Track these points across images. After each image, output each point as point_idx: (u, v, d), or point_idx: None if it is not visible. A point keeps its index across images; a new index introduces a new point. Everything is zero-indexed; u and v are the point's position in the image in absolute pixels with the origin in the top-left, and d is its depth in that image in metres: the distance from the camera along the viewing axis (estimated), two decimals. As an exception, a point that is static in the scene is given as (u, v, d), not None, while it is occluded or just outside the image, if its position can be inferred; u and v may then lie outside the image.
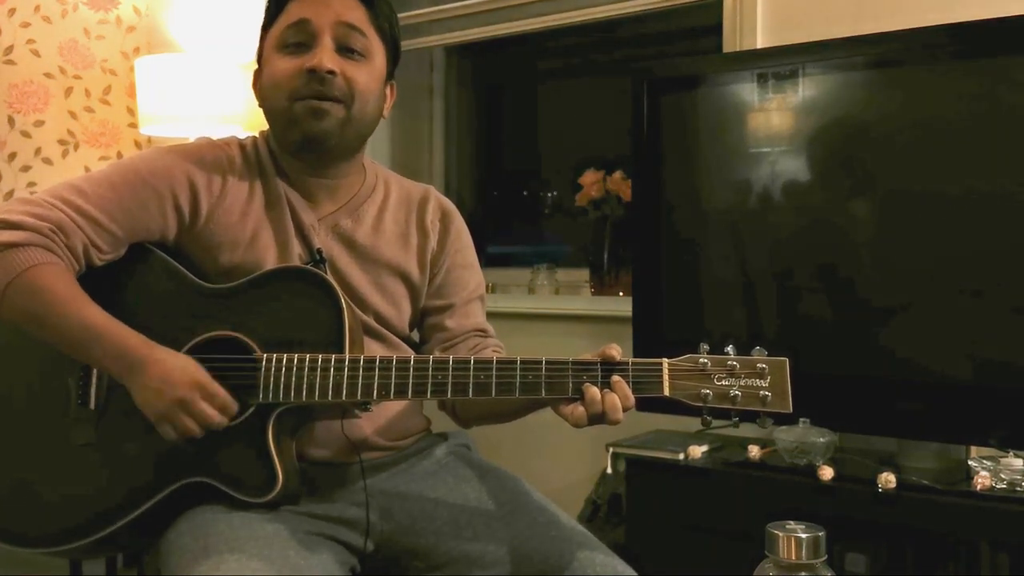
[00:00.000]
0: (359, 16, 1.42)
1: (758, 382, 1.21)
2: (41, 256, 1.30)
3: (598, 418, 1.22)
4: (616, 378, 1.22)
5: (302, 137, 1.40)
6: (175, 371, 1.27)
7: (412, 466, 1.49)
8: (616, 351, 1.24)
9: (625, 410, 1.22)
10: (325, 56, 1.38)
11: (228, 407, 1.29)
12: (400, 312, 1.51)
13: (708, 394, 1.21)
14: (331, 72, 1.38)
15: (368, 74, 1.43)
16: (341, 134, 1.42)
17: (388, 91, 1.51)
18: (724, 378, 1.22)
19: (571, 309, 2.65)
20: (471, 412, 1.51)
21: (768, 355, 1.22)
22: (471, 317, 1.55)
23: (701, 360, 1.22)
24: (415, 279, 1.52)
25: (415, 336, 1.58)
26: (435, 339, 1.53)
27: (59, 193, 1.36)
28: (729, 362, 1.22)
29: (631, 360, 1.23)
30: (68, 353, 1.33)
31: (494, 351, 1.51)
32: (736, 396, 1.21)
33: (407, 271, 1.51)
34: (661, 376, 1.22)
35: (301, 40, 1.40)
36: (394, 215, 1.53)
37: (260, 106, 1.48)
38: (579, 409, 1.22)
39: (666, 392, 1.22)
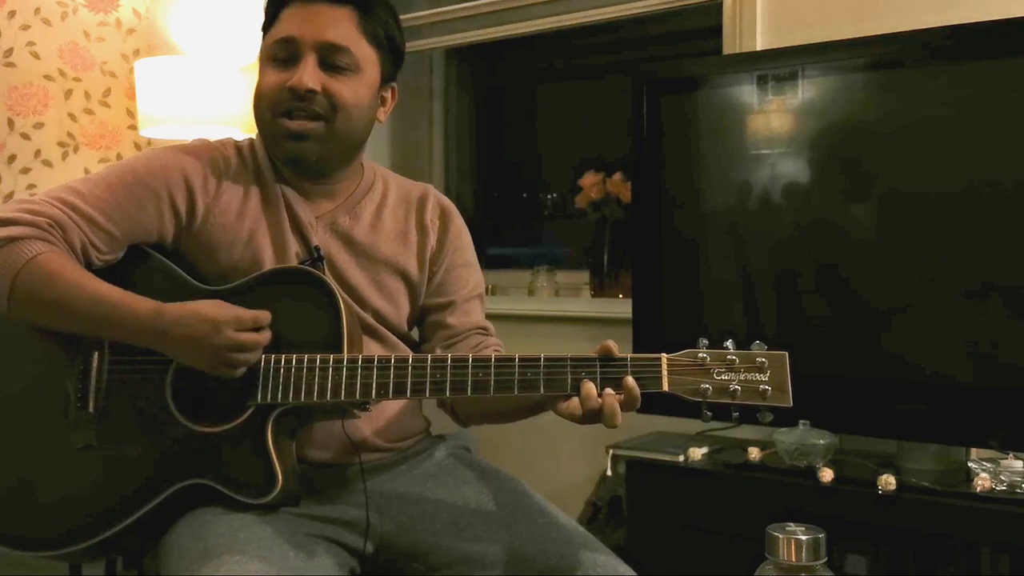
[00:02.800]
0: (346, 30, 1.41)
1: (757, 376, 1.20)
2: (42, 247, 1.31)
3: (593, 415, 1.21)
4: (630, 381, 1.20)
5: (284, 157, 1.43)
6: (195, 323, 1.27)
7: (412, 467, 1.49)
8: (614, 346, 1.23)
9: (631, 410, 1.21)
10: (305, 75, 1.39)
11: (259, 319, 1.29)
12: (399, 310, 1.51)
13: (707, 389, 1.21)
14: (311, 91, 1.39)
15: (354, 88, 1.43)
16: (322, 151, 1.43)
17: (389, 95, 1.52)
18: (723, 372, 1.21)
19: (571, 311, 2.65)
20: (469, 411, 1.51)
21: (767, 349, 1.22)
22: (471, 315, 1.55)
23: (700, 355, 1.22)
24: (414, 277, 1.52)
25: (415, 335, 1.58)
26: (437, 337, 1.53)
27: (56, 194, 1.37)
28: (728, 356, 1.21)
29: (630, 356, 1.23)
30: (86, 332, 1.34)
31: (495, 350, 1.51)
32: (736, 391, 1.20)
33: (406, 269, 1.51)
34: (660, 371, 1.22)
35: (287, 56, 1.41)
36: (393, 213, 1.53)
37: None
38: (574, 402, 1.21)
39: (665, 387, 1.21)
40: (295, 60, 1.40)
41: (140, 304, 1.30)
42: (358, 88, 1.43)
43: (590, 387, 1.21)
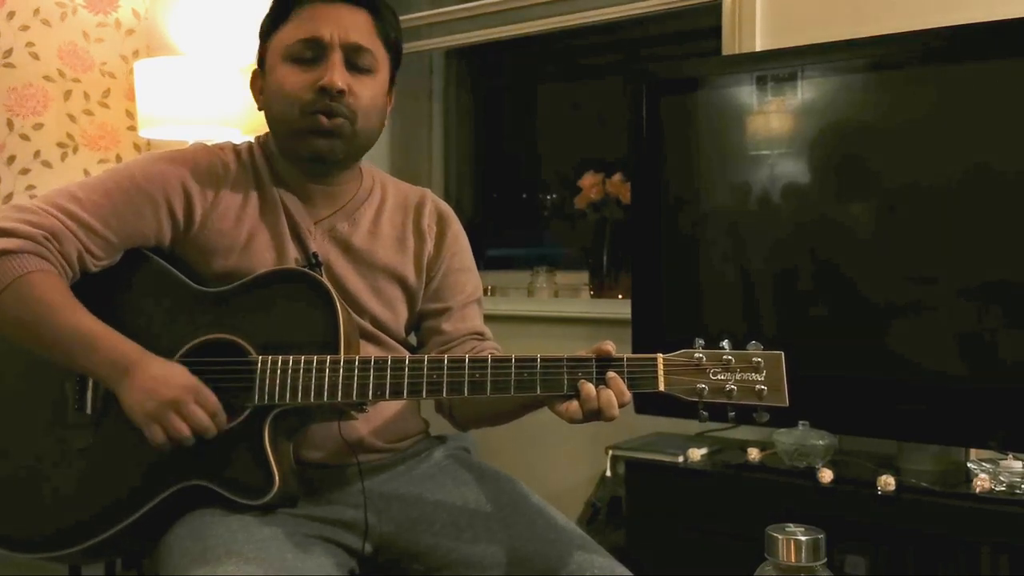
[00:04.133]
0: (367, 31, 1.42)
1: (754, 376, 1.21)
2: (35, 263, 1.30)
3: (594, 414, 1.21)
4: (611, 374, 1.22)
5: (311, 155, 1.41)
6: (168, 375, 1.27)
7: (410, 468, 1.49)
8: (611, 347, 1.24)
9: (621, 406, 1.21)
10: (336, 74, 1.38)
11: (219, 415, 1.28)
12: (396, 316, 1.51)
13: (704, 388, 1.21)
14: (341, 91, 1.38)
15: (373, 88, 1.43)
16: (348, 150, 1.43)
17: (390, 97, 1.52)
18: (719, 372, 1.21)
19: (570, 312, 2.65)
20: (467, 414, 1.51)
21: (763, 349, 1.22)
22: (468, 320, 1.54)
23: (696, 355, 1.22)
24: (411, 283, 1.51)
25: (412, 340, 1.58)
26: (432, 342, 1.53)
27: (53, 200, 1.36)
28: (724, 356, 1.21)
29: (626, 356, 1.23)
30: (60, 361, 1.32)
31: (491, 353, 1.50)
32: (732, 390, 1.20)
33: (403, 275, 1.51)
34: (656, 371, 1.22)
35: (311, 55, 1.40)
36: (391, 219, 1.53)
37: (260, 109, 1.48)
38: (574, 405, 1.22)
39: (661, 387, 1.22)
40: (320, 60, 1.39)
41: (120, 340, 1.29)
42: (376, 89, 1.44)
43: (589, 388, 1.21)
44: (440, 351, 1.51)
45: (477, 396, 1.25)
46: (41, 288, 1.29)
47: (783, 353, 1.22)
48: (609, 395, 1.20)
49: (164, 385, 1.26)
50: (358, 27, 1.41)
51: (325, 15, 1.40)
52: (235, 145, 1.51)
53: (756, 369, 1.21)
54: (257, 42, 1.49)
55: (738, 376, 1.21)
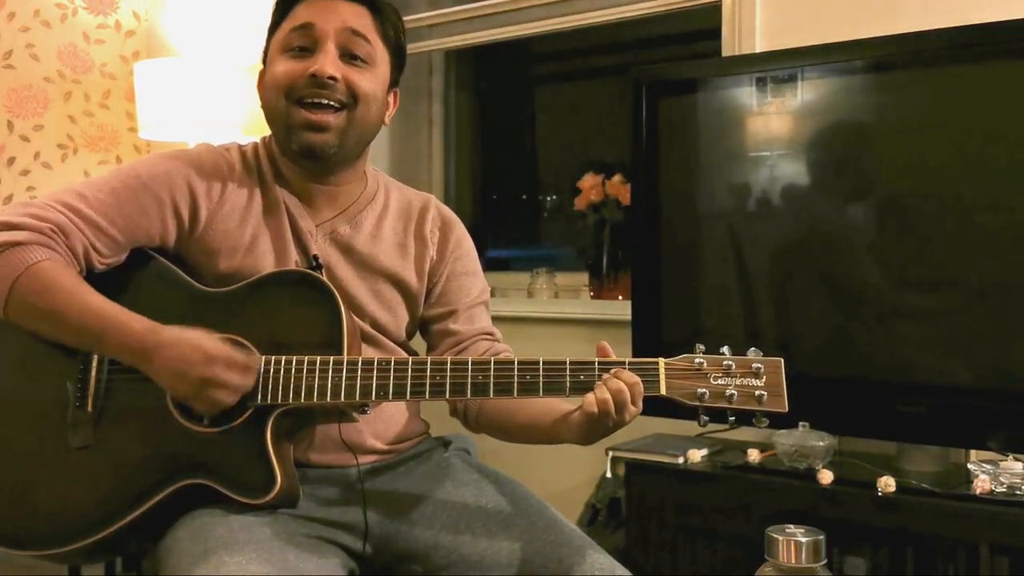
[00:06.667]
0: (365, 23, 1.42)
1: (754, 381, 1.22)
2: (43, 253, 1.31)
3: (605, 413, 1.20)
4: (615, 369, 1.22)
5: (300, 148, 1.41)
6: (188, 350, 1.26)
7: (411, 469, 1.49)
8: (608, 348, 1.25)
9: (634, 398, 1.21)
10: (327, 61, 1.38)
11: (250, 366, 1.28)
12: (397, 319, 1.50)
13: (704, 393, 1.22)
14: (332, 78, 1.38)
15: (372, 80, 1.43)
16: (342, 143, 1.42)
17: (391, 98, 1.52)
18: (720, 377, 1.23)
19: (570, 313, 2.65)
20: (483, 423, 1.50)
21: (763, 355, 1.23)
22: (476, 321, 1.54)
23: (697, 360, 1.23)
24: (413, 286, 1.51)
25: (412, 344, 1.58)
26: (444, 344, 1.53)
27: (60, 197, 1.37)
28: (725, 362, 1.23)
29: (628, 359, 1.24)
30: (76, 345, 1.33)
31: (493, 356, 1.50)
32: (732, 395, 1.22)
33: (404, 279, 1.50)
34: (657, 375, 1.23)
35: (305, 44, 1.40)
36: (393, 224, 1.53)
37: (262, 107, 1.48)
38: (586, 404, 1.21)
39: (663, 391, 1.23)
40: (313, 49, 1.40)
41: (134, 321, 1.29)
42: (375, 81, 1.44)
43: (597, 389, 1.22)
44: (454, 352, 1.51)
45: (482, 398, 1.25)
46: (53, 275, 1.30)
47: (783, 359, 1.23)
48: (619, 384, 1.20)
49: (190, 365, 1.25)
50: (356, 17, 1.42)
51: (321, 6, 1.41)
52: (240, 145, 1.51)
53: (756, 375, 1.22)
54: (264, 42, 1.49)
55: (738, 381, 1.22)
